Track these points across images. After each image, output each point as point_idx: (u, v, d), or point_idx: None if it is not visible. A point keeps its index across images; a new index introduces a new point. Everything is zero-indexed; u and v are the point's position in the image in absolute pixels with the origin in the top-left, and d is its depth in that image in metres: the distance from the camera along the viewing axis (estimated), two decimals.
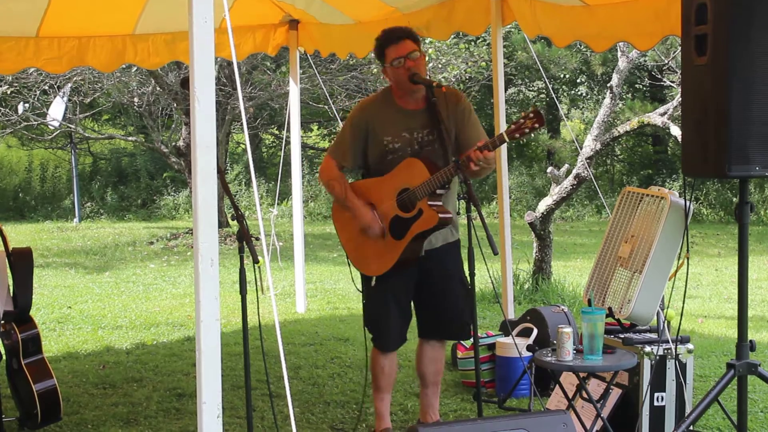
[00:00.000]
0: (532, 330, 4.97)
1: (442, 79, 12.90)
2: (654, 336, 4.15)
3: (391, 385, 4.32)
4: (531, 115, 3.84)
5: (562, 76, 17.53)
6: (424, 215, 4.01)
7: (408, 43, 4.04)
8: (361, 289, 4.27)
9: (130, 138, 16.34)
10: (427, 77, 4.11)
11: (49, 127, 14.92)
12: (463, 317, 4.20)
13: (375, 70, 12.97)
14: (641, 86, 17.97)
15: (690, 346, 4.14)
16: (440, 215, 3.98)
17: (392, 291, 4.14)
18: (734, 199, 16.29)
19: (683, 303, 3.80)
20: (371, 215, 4.10)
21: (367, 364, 4.40)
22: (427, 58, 12.39)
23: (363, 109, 4.21)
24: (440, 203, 4.06)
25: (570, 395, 4.03)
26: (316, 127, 19.77)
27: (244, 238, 3.36)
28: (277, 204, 15.21)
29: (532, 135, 6.18)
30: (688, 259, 3.93)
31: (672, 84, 11.20)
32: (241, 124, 15.42)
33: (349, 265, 4.26)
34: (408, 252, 4.06)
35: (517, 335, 5.03)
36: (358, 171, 4.34)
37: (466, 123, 4.13)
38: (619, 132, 8.05)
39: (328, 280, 9.62)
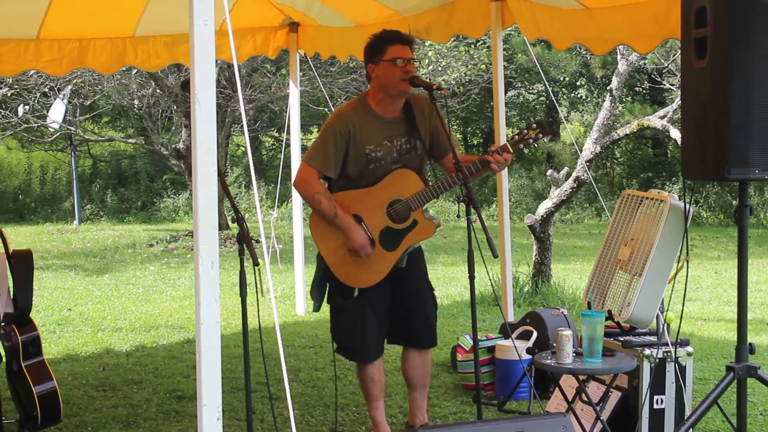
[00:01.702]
0: (531, 333, 4.97)
1: (442, 82, 12.91)
2: (653, 339, 4.15)
3: (382, 391, 4.27)
4: (534, 125, 3.89)
5: (561, 78, 17.55)
6: (419, 226, 4.02)
7: (410, 50, 4.04)
8: (328, 302, 4.17)
9: (130, 140, 16.34)
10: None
11: (49, 129, 14.93)
12: (432, 321, 4.24)
13: None
14: (641, 89, 17.97)
15: (689, 348, 4.15)
16: (436, 226, 4.03)
17: (372, 301, 4.08)
18: (734, 202, 16.28)
19: (683, 306, 3.80)
20: (364, 236, 3.97)
21: (335, 371, 4.62)
22: (427, 61, 12.49)
23: (344, 117, 4.07)
24: (430, 213, 4.08)
25: (570, 398, 4.03)
26: (316, 129, 19.75)
27: (244, 241, 3.35)
28: (277, 206, 15.18)
29: (536, 145, 6.22)
30: (687, 261, 3.92)
31: (672, 87, 11.22)
32: (241, 127, 15.42)
33: (323, 275, 4.12)
34: (398, 262, 4.06)
35: (517, 338, 5.03)
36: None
37: (441, 130, 4.14)
38: (618, 135, 8.05)
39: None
